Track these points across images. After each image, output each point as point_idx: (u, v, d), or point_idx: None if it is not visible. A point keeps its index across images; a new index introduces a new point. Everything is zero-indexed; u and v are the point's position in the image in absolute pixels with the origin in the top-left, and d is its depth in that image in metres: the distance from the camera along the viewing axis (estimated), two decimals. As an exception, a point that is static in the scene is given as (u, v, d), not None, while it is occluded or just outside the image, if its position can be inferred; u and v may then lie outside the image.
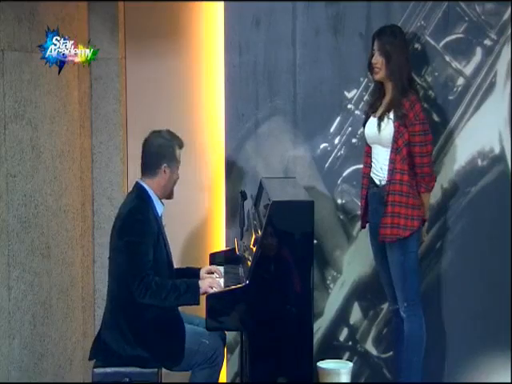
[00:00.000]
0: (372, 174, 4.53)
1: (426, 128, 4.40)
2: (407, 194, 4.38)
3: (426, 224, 4.56)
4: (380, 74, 4.45)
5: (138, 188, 4.14)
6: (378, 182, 4.50)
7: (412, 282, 4.46)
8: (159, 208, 4.15)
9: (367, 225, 4.63)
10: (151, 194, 4.12)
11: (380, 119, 4.43)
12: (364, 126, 4.56)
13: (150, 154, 4.15)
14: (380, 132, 4.42)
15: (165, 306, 4.02)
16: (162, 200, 4.18)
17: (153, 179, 4.13)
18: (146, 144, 4.17)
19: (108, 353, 4.07)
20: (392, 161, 4.39)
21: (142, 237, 4.00)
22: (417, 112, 4.36)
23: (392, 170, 4.39)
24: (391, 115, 4.40)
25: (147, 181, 4.14)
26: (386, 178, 4.42)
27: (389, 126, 4.40)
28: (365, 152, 4.61)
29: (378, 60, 4.43)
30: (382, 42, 4.42)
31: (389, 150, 4.41)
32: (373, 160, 4.53)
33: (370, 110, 4.55)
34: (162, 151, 4.13)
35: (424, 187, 4.43)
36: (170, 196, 4.20)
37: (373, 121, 4.49)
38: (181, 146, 4.19)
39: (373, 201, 4.53)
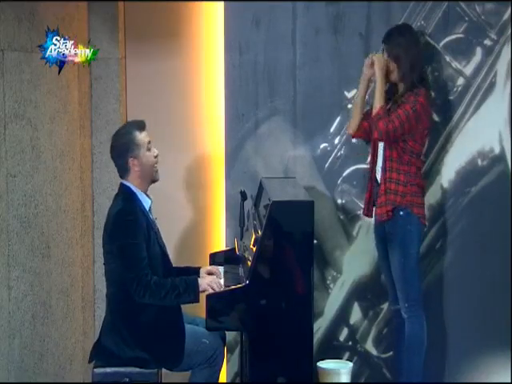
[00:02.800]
0: (375, 173, 4.53)
1: (418, 108, 4.33)
2: (404, 182, 4.38)
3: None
4: (392, 76, 4.45)
5: (123, 188, 4.13)
6: (379, 180, 4.50)
7: (413, 283, 4.46)
8: (146, 203, 4.13)
9: (372, 224, 4.63)
10: (135, 191, 4.11)
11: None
12: None
13: (115, 157, 4.13)
14: None
15: (165, 304, 4.01)
16: (150, 194, 4.18)
17: (129, 176, 4.11)
18: (110, 150, 4.16)
19: (108, 355, 4.06)
20: (389, 158, 4.40)
21: (133, 238, 3.99)
22: (418, 95, 4.34)
23: (389, 168, 4.40)
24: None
25: (127, 179, 4.13)
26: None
27: None
28: (371, 149, 4.61)
29: (388, 64, 4.43)
30: (389, 47, 4.43)
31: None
32: (377, 158, 4.53)
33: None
34: (121, 147, 4.09)
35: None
36: (154, 180, 4.15)
37: None
38: (141, 127, 4.12)
39: (376, 199, 4.53)
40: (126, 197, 4.10)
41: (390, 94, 4.51)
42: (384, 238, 4.52)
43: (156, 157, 4.15)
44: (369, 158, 4.66)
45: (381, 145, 4.49)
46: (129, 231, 4.00)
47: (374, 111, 4.39)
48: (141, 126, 4.13)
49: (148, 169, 4.12)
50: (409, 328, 4.48)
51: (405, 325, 4.51)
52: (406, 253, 4.43)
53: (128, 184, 4.11)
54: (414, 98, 4.35)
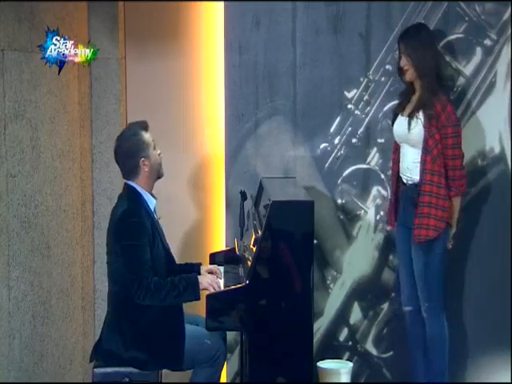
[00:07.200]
0: (400, 174, 4.52)
1: (459, 130, 4.39)
2: (437, 194, 4.36)
3: (454, 230, 4.51)
4: (408, 75, 4.43)
5: (128, 188, 4.13)
6: (405, 181, 4.49)
7: (435, 283, 4.43)
8: (151, 203, 4.14)
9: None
10: (141, 192, 4.11)
11: (410, 118, 4.41)
12: (393, 125, 4.55)
13: (124, 158, 4.12)
14: (409, 131, 4.40)
15: (165, 305, 4.01)
16: (155, 193, 4.19)
17: (138, 178, 4.11)
18: (116, 154, 4.15)
19: (108, 355, 4.06)
20: (422, 161, 4.37)
21: (137, 239, 3.99)
22: (449, 114, 4.34)
23: (422, 171, 4.38)
24: (420, 115, 4.38)
25: (134, 181, 4.12)
26: (412, 178, 4.42)
27: (418, 126, 4.38)
28: (393, 148, 4.60)
29: (404, 63, 4.42)
30: (405, 44, 4.41)
31: (416, 150, 4.40)
32: (400, 159, 4.52)
33: (399, 108, 4.54)
34: (131, 148, 4.09)
35: (454, 190, 4.41)
36: (160, 176, 4.18)
37: (402, 119, 4.47)
38: (145, 127, 4.14)
39: (402, 200, 4.52)
40: (131, 197, 4.10)
41: (407, 94, 4.51)
42: (409, 234, 4.46)
43: (160, 154, 4.17)
44: (390, 162, 4.64)
45: (404, 149, 4.47)
46: (133, 232, 4.00)
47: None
48: (145, 126, 4.15)
49: (156, 167, 4.15)
50: (429, 329, 4.46)
51: (417, 324, 4.51)
52: (431, 253, 4.40)
53: (133, 185, 4.11)
54: (446, 116, 4.33)
